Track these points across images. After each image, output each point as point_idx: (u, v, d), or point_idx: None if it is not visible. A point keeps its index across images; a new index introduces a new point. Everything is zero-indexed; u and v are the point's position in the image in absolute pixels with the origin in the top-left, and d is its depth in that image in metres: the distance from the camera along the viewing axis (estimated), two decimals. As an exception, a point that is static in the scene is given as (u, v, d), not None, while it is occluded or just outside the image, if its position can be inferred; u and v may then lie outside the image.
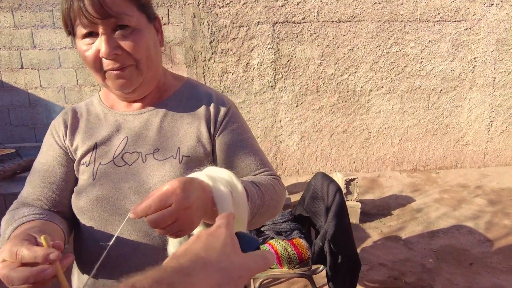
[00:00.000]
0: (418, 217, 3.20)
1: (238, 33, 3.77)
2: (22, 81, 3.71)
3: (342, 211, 1.68)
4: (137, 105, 0.83)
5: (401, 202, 3.50)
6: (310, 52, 3.87)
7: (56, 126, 0.84)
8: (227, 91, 3.88)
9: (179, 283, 0.34)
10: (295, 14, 3.77)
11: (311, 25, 3.81)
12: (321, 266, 1.74)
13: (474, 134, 4.26)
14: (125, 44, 0.70)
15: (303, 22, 3.80)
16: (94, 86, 3.79)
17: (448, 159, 4.30)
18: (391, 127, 4.14)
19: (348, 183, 3.13)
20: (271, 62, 3.86)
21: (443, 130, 4.21)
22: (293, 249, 1.77)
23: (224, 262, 0.38)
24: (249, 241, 0.45)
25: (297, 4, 3.75)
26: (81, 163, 0.79)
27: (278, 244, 1.79)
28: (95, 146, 0.79)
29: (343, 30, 3.85)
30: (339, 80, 3.96)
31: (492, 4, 3.93)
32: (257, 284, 1.81)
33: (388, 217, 3.23)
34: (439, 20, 3.91)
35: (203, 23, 3.73)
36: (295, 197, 3.32)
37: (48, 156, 0.81)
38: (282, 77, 3.91)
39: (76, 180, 0.80)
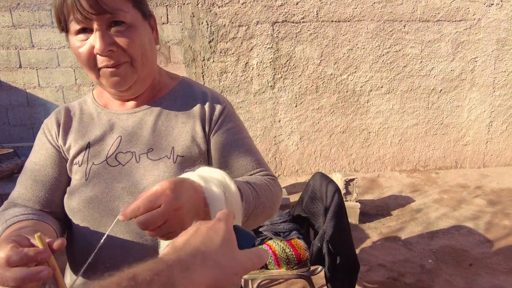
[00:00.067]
0: (418, 217, 3.18)
1: (237, 32, 3.76)
2: (21, 80, 3.70)
3: (340, 212, 1.67)
4: (131, 104, 0.82)
5: (401, 203, 3.49)
6: (310, 51, 3.86)
7: (49, 125, 0.82)
8: (226, 91, 3.87)
9: (178, 277, 0.34)
10: (294, 14, 3.76)
11: (311, 24, 3.80)
12: (320, 267, 1.73)
13: (474, 134, 4.25)
14: (120, 41, 0.69)
15: (303, 22, 3.79)
16: (92, 85, 3.78)
17: (448, 159, 4.28)
18: (390, 127, 4.13)
19: (348, 183, 3.12)
20: (270, 62, 3.85)
21: (443, 130, 4.20)
22: (291, 250, 1.75)
23: (222, 258, 0.39)
24: (245, 238, 0.46)
25: (297, 4, 3.74)
26: (74, 162, 0.78)
27: (276, 245, 1.78)
28: (88, 146, 0.78)
29: (342, 30, 3.84)
30: (339, 80, 3.95)
31: (492, 4, 3.91)
32: (255, 285, 1.80)
33: (388, 217, 3.22)
34: (439, 20, 3.89)
35: (202, 23, 3.72)
36: (295, 197, 3.31)
37: (40, 155, 0.80)
38: (281, 77, 3.89)
39: (69, 180, 0.79)
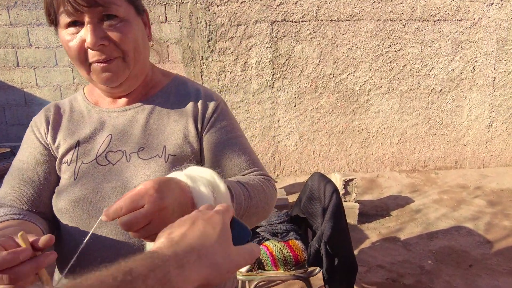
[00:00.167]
0: (417, 218, 3.16)
1: (236, 32, 3.74)
2: (18, 79, 3.68)
3: (338, 212, 1.65)
4: (123, 101, 0.80)
5: (400, 203, 3.47)
6: (309, 51, 3.84)
7: (38, 123, 0.80)
8: (225, 90, 3.85)
9: (173, 273, 0.35)
10: (293, 13, 3.74)
11: (310, 24, 3.78)
12: (318, 268, 1.71)
13: (473, 135, 4.23)
14: (113, 35, 0.67)
15: (302, 21, 3.77)
16: (90, 85, 3.76)
17: (448, 160, 4.26)
18: (390, 127, 4.11)
19: (347, 183, 3.10)
20: (269, 61, 3.83)
21: (443, 130, 4.18)
22: (289, 251, 1.73)
23: (216, 256, 0.40)
24: (241, 233, 0.46)
25: (296, 3, 3.72)
26: (63, 161, 0.76)
27: (273, 246, 1.76)
28: (78, 144, 0.76)
29: (342, 29, 3.82)
30: (338, 79, 3.93)
31: (492, 4, 3.90)
32: (252, 287, 1.78)
33: (387, 218, 3.20)
34: (438, 19, 3.87)
35: (200, 22, 3.70)
36: (293, 198, 3.29)
37: (28, 153, 0.78)
38: (280, 77, 3.87)
39: (58, 179, 0.77)
